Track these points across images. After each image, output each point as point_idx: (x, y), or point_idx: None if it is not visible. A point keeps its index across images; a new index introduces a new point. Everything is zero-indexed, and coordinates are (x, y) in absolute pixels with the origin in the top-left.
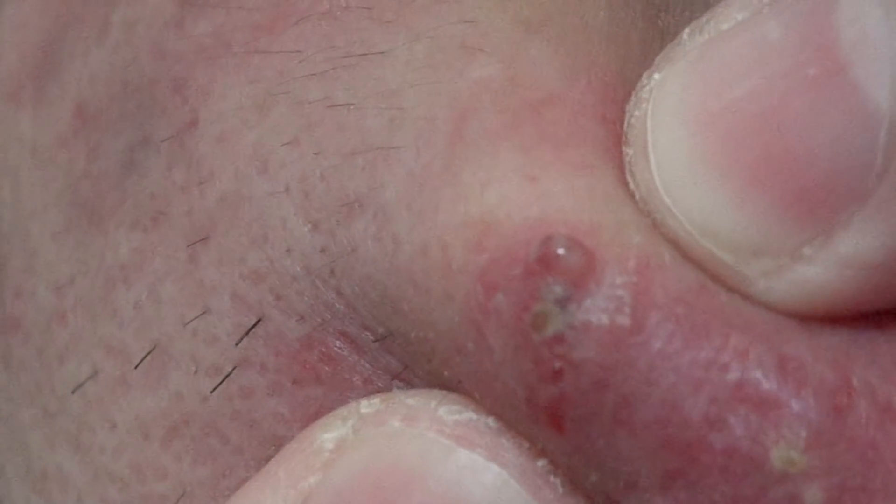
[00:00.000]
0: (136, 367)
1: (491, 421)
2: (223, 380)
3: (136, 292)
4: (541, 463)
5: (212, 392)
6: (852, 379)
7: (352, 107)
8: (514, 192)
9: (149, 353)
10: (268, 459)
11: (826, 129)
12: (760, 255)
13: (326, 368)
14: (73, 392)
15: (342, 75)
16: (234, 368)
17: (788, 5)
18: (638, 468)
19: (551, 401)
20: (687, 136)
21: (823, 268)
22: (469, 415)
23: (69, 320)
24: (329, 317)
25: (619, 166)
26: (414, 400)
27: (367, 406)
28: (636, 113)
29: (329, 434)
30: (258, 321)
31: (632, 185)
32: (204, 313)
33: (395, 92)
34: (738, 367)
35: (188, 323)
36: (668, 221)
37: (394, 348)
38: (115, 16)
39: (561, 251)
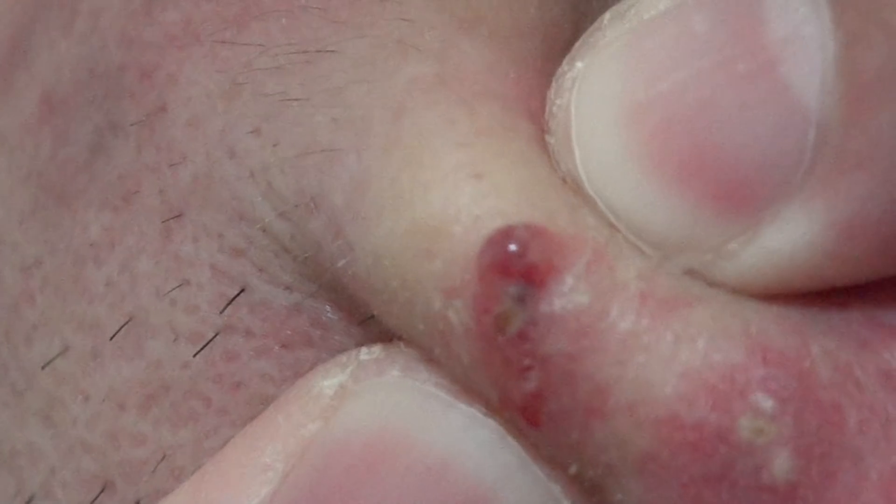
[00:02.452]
0: (110, 339)
1: None
2: (205, 345)
3: (107, 269)
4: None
5: (194, 356)
6: (812, 346)
7: (304, 102)
8: (458, 192)
9: (123, 325)
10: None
11: (755, 125)
12: (685, 251)
13: (317, 332)
14: (42, 368)
15: (297, 71)
16: (216, 334)
17: None
18: (613, 455)
19: (524, 400)
20: (612, 128)
21: (750, 261)
22: None
23: (37, 300)
24: (316, 287)
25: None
26: (415, 351)
27: (366, 353)
28: (558, 101)
29: (328, 381)
30: (241, 290)
31: (561, 175)
32: (182, 285)
33: (340, 90)
34: (706, 340)
35: (166, 294)
36: (594, 212)
37: (377, 326)
38: (82, 4)
39: (514, 248)
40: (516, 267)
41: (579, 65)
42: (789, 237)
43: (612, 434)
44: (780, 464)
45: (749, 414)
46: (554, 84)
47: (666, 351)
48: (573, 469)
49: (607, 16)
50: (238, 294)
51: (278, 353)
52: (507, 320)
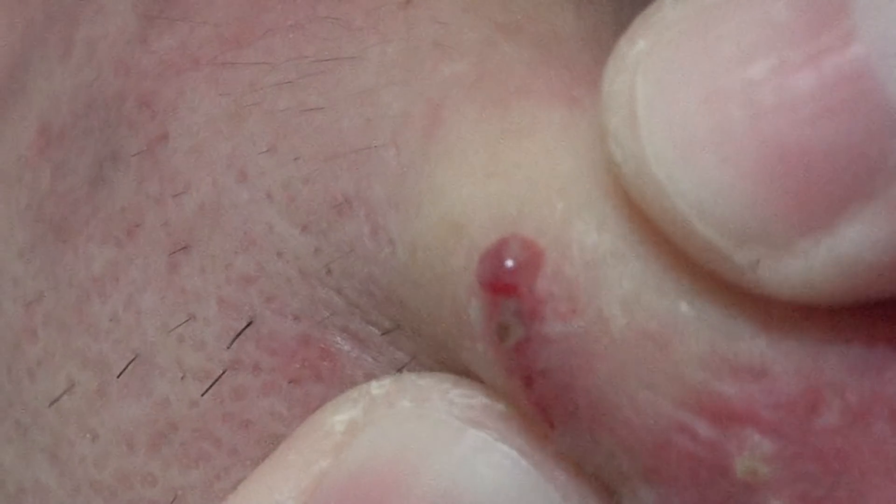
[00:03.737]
0: (117, 377)
1: (502, 406)
2: (213, 383)
3: (112, 304)
4: (551, 448)
5: (202, 396)
6: (821, 382)
7: (326, 110)
8: (476, 191)
9: (130, 362)
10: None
11: (839, 123)
12: (755, 243)
13: (326, 365)
14: (49, 406)
15: (313, 82)
16: (224, 371)
17: None
18: (622, 462)
19: (535, 402)
20: (686, 112)
21: (819, 262)
22: (481, 399)
23: (40, 336)
24: (328, 314)
25: (582, 144)
26: (425, 381)
27: (377, 387)
28: (619, 79)
29: (339, 416)
30: (249, 323)
31: (618, 157)
32: (189, 320)
33: (369, 92)
34: (697, 368)
35: (172, 330)
36: (657, 197)
37: (401, 341)
38: (77, 35)
39: (509, 263)
40: (510, 283)
41: (641, 43)
42: (863, 240)
43: (619, 444)
44: None
45: (746, 453)
46: (611, 62)
47: (659, 378)
48: (589, 469)
49: None
50: (246, 327)
51: (287, 389)
52: (507, 331)
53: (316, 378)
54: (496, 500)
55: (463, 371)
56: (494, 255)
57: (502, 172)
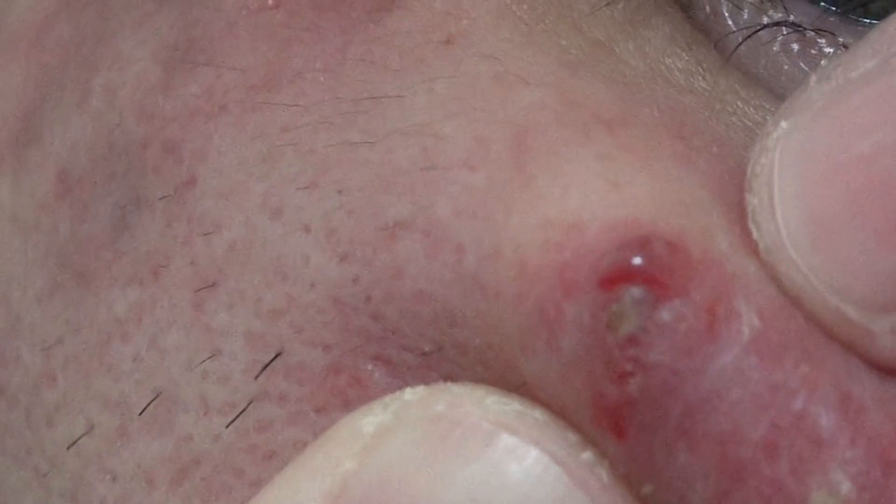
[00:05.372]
0: (139, 416)
1: (538, 413)
2: (237, 416)
3: (135, 345)
4: (586, 455)
5: (226, 428)
6: None
7: (374, 144)
8: (596, 196)
9: (151, 401)
10: None
11: None
12: (890, 312)
13: (354, 392)
14: (67, 449)
15: (355, 120)
16: (249, 403)
17: None
18: (692, 484)
19: (618, 403)
20: (815, 187)
21: None
22: (515, 406)
23: (59, 380)
24: (360, 342)
25: (704, 178)
26: (460, 388)
27: (411, 393)
28: (762, 160)
29: (369, 419)
30: (277, 355)
31: (755, 235)
32: (214, 355)
33: (424, 125)
34: (804, 397)
35: (196, 367)
36: (792, 274)
37: (440, 364)
38: (95, 81)
39: (644, 255)
40: (644, 273)
41: (784, 124)
42: None
43: (696, 463)
44: None
45: (824, 490)
46: (757, 144)
47: (763, 397)
48: (646, 490)
49: (814, 77)
50: (273, 359)
51: (313, 418)
52: (621, 320)
53: (343, 405)
54: None
55: (508, 387)
56: (631, 246)
57: (629, 185)
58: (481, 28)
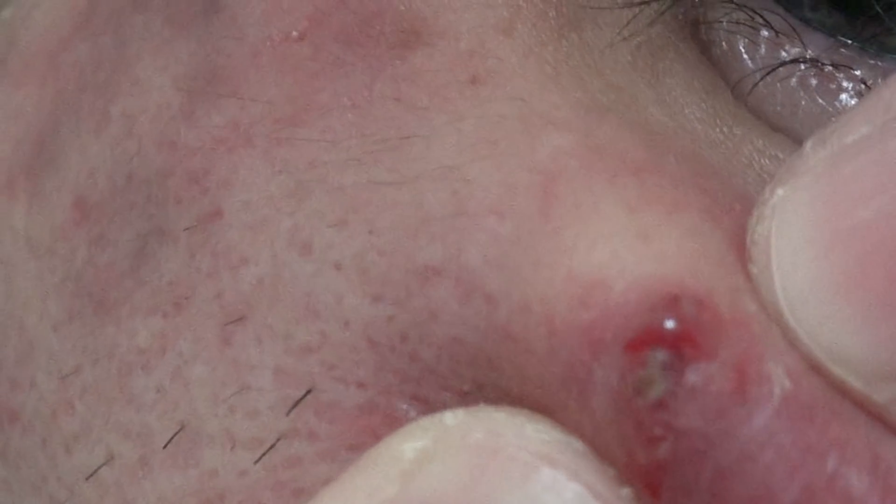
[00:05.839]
0: (163, 448)
1: (578, 444)
2: (265, 452)
3: (158, 376)
4: (625, 491)
5: (254, 464)
6: None
7: (402, 185)
8: (625, 250)
9: (175, 434)
10: None
11: None
12: (892, 381)
13: (389, 431)
14: (86, 479)
15: (383, 158)
16: (278, 440)
17: None
18: None
19: (650, 467)
20: (812, 256)
21: None
22: (556, 434)
23: (77, 409)
24: (396, 381)
25: (729, 236)
26: (500, 414)
27: (451, 418)
28: (759, 229)
29: (410, 444)
30: (308, 392)
31: (759, 304)
32: (242, 390)
33: (452, 168)
34: (835, 458)
35: (223, 401)
36: (793, 340)
37: (478, 402)
38: (113, 108)
39: (672, 316)
40: (671, 335)
41: (780, 192)
42: None
43: None
44: None
45: None
46: (755, 212)
47: (795, 459)
48: None
49: (809, 143)
50: (304, 395)
51: (344, 456)
52: (649, 385)
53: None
54: None
55: None
56: (659, 306)
57: (658, 239)
58: (507, 69)
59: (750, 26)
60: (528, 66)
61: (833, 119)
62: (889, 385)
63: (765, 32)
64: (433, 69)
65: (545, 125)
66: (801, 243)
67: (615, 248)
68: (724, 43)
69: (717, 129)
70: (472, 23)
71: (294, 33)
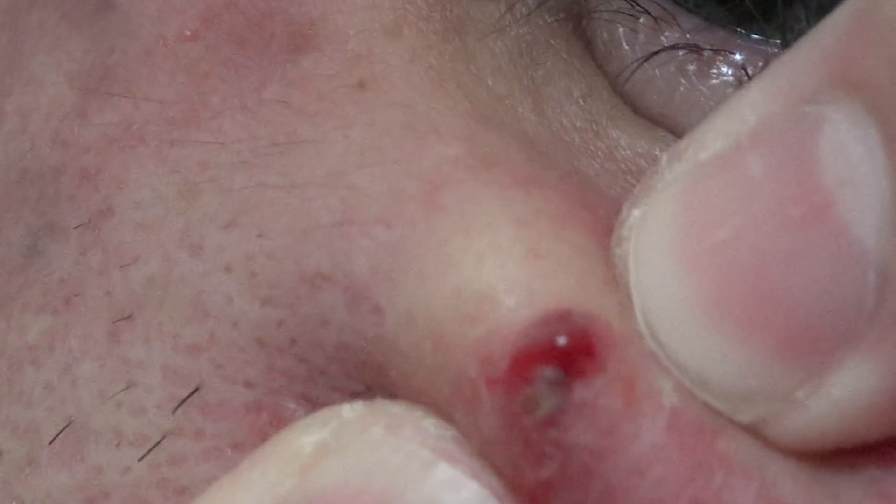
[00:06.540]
0: (48, 444)
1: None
2: (150, 450)
3: (46, 372)
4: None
5: (138, 461)
6: None
7: (291, 190)
8: (515, 266)
9: (62, 430)
10: None
11: (813, 270)
12: (754, 402)
13: (276, 431)
14: None
15: (273, 163)
16: (163, 437)
17: (768, 139)
18: None
19: (538, 486)
20: (670, 278)
21: (817, 411)
22: (454, 432)
23: None
24: (285, 382)
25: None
26: (399, 408)
27: (349, 410)
28: (617, 251)
29: (308, 437)
30: (195, 390)
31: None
32: (129, 387)
33: (339, 174)
34: (722, 473)
35: (110, 398)
36: (660, 364)
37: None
38: (8, 105)
39: (562, 332)
40: (560, 351)
41: (636, 212)
42: (854, 386)
43: None
44: None
45: None
46: (614, 233)
47: (683, 474)
48: None
49: (664, 157)
50: (191, 394)
51: (229, 455)
52: (537, 403)
53: (261, 443)
54: None
55: None
56: (548, 323)
57: (547, 255)
58: (393, 73)
59: (629, 14)
60: (414, 71)
61: (688, 133)
62: (750, 406)
63: (643, 20)
64: (322, 73)
65: (431, 133)
66: (659, 265)
67: (504, 263)
68: (604, 33)
69: (595, 137)
70: (360, 26)
71: (187, 33)
